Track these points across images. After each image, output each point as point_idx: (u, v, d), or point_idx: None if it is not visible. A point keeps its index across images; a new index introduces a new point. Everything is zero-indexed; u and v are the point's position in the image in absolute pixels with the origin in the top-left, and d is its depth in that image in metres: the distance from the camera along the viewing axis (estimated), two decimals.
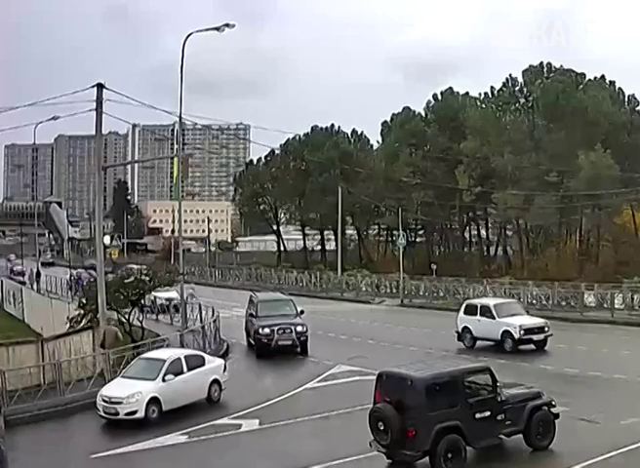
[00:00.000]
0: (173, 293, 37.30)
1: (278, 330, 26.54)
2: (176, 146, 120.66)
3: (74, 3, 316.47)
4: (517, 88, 76.10)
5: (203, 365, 20.20)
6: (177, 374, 19.28)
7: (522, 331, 26.51)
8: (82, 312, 27.49)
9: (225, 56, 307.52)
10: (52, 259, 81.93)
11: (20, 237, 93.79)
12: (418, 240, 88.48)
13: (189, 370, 19.69)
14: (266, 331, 26.54)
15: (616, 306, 37.44)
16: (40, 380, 20.97)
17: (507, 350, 26.38)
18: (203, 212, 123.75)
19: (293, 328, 26.71)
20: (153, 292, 33.73)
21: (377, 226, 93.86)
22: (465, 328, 28.18)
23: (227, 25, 28.64)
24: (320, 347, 28.07)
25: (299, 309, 28.62)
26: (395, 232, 67.92)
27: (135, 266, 41.15)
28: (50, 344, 24.21)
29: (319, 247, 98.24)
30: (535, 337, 26.78)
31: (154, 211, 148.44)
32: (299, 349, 26.88)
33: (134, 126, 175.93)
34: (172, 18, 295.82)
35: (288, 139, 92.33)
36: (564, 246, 73.70)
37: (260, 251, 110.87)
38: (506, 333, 26.70)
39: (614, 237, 70.23)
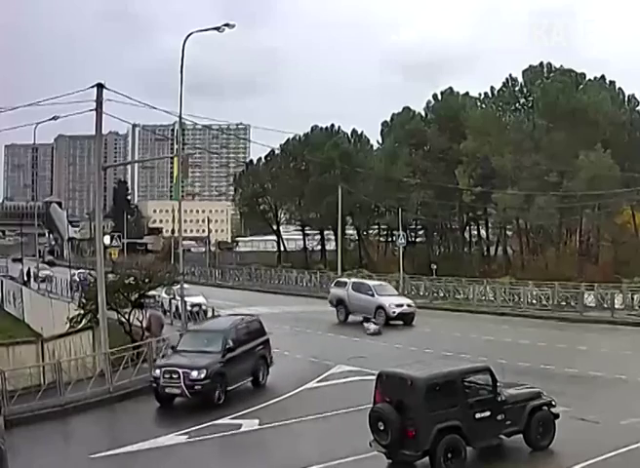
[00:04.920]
0: (200, 298, 36.83)
1: (164, 373, 20.08)
2: (176, 146, 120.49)
3: (74, 3, 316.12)
4: (517, 88, 76.22)
5: None
6: None
7: None
8: (82, 312, 27.52)
9: (225, 56, 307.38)
10: (20, 256, 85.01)
11: (20, 237, 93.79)
12: (418, 240, 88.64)
13: None
14: (156, 372, 20.27)
15: (616, 306, 37.44)
16: (40, 380, 20.96)
17: None
18: (203, 212, 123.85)
19: (182, 372, 19.75)
20: (180, 297, 33.17)
21: (377, 226, 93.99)
22: None
23: (227, 25, 28.67)
24: (320, 347, 28.11)
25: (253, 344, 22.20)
26: (395, 232, 67.93)
27: None
28: (50, 344, 24.23)
29: (319, 247, 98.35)
30: None
31: (154, 211, 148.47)
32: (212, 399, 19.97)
33: (134, 126, 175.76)
34: (172, 18, 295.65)
35: (288, 139, 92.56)
36: (564, 246, 73.78)
37: (260, 251, 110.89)
38: None
39: (614, 237, 70.27)
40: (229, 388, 20.50)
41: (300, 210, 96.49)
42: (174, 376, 19.82)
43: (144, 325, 26.51)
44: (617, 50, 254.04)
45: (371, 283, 38.71)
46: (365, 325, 32.62)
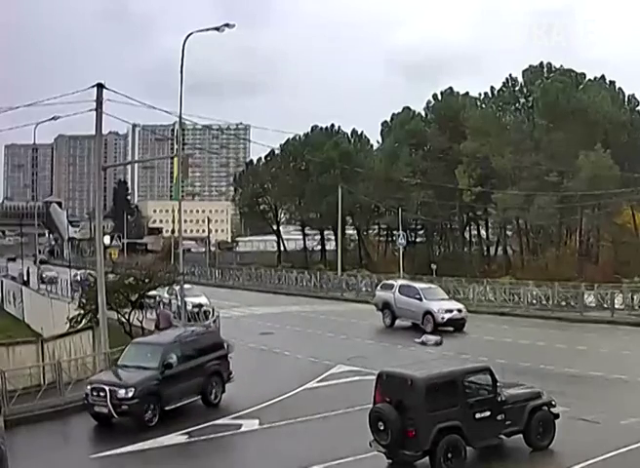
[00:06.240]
0: (202, 299, 36.88)
1: (93, 390, 18.49)
2: (176, 146, 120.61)
3: (74, 3, 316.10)
4: (517, 88, 76.26)
5: None
6: None
7: None
8: (82, 312, 27.53)
9: (225, 56, 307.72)
10: (14, 256, 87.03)
11: (20, 237, 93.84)
12: (418, 240, 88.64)
13: None
14: (87, 388, 18.68)
15: (616, 306, 37.43)
16: (40, 380, 20.94)
17: None
18: (203, 212, 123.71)
19: (109, 390, 18.12)
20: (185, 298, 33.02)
21: (377, 226, 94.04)
22: None
23: (227, 25, 28.66)
24: (320, 347, 28.11)
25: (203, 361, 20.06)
26: (395, 232, 68.06)
27: None
28: (50, 344, 24.20)
29: (319, 247, 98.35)
30: None
31: (154, 211, 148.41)
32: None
33: (134, 126, 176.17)
34: (172, 18, 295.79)
35: (288, 139, 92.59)
36: (564, 246, 73.77)
37: (260, 251, 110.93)
38: None
39: (614, 237, 70.26)
40: (167, 408, 18.78)
41: (299, 210, 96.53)
42: (101, 394, 18.25)
43: (155, 323, 26.61)
44: (617, 50, 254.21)
45: (419, 286, 35.74)
46: (417, 340, 29.36)
